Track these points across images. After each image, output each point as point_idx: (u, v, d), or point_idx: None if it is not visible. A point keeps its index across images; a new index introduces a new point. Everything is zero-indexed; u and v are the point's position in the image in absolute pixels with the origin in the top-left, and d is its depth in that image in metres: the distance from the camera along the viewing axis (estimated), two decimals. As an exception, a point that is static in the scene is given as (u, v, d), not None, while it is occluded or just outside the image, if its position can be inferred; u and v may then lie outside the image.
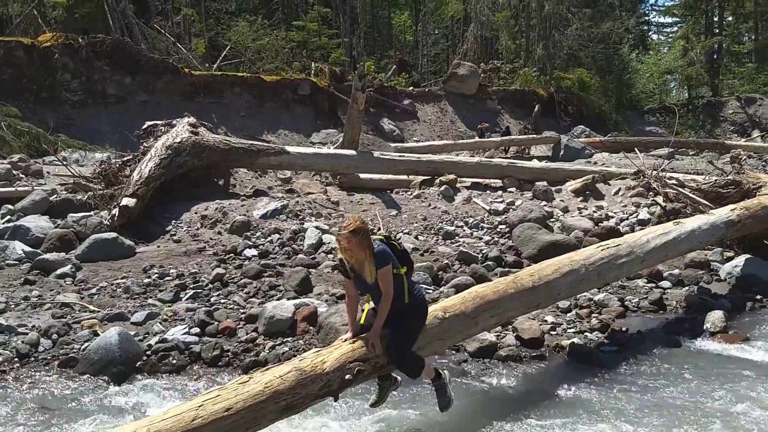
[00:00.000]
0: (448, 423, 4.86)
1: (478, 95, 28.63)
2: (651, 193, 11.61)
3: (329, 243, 9.55)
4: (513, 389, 5.58)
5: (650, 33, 49.73)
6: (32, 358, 6.01)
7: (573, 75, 32.98)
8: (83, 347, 6.07)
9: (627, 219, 10.75)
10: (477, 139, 22.48)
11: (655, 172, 12.01)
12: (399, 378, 4.79)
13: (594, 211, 11.35)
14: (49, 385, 5.58)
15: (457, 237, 10.23)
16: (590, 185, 12.28)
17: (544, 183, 12.55)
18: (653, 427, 4.84)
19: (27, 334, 6.37)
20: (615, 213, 11.17)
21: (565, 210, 11.53)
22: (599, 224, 10.49)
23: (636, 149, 15.20)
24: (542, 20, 33.73)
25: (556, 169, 13.90)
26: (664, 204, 10.57)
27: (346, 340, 4.48)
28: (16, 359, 5.97)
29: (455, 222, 10.91)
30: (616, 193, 12.07)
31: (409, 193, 12.42)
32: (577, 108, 31.04)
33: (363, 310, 4.68)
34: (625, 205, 11.50)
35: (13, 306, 7.24)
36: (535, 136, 22.72)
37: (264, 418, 3.85)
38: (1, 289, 7.84)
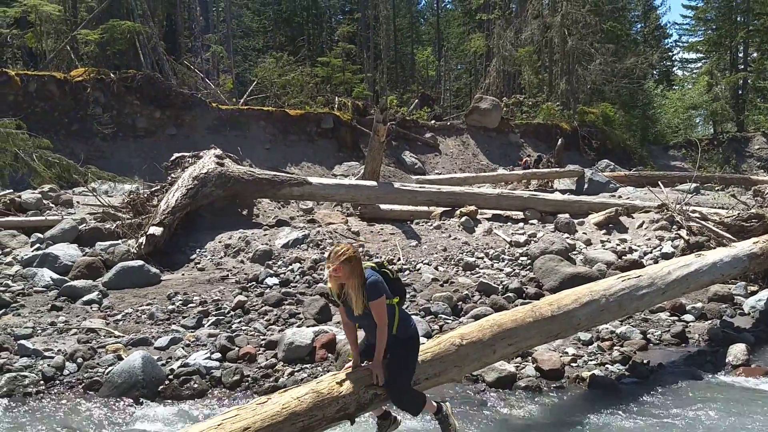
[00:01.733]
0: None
1: (500, 129, 28.76)
2: (675, 226, 11.54)
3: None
4: (532, 420, 5.54)
5: (674, 68, 49.75)
6: (57, 381, 6.14)
7: (597, 109, 33.02)
8: (107, 371, 6.19)
9: (651, 252, 10.68)
10: (520, 170, 22.55)
11: (678, 206, 11.94)
12: (399, 417, 4.71)
13: (617, 244, 11.29)
14: (74, 407, 5.69)
15: (477, 268, 10.24)
16: (613, 218, 12.24)
17: (567, 215, 12.53)
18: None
19: (53, 357, 6.51)
20: (638, 246, 11.10)
21: (588, 243, 11.49)
22: (622, 257, 10.43)
23: (660, 183, 15.13)
24: (565, 55, 33.95)
25: (579, 202, 13.87)
26: (687, 237, 10.49)
27: (350, 368, 4.43)
28: (42, 382, 6.10)
29: (475, 253, 10.93)
30: (640, 226, 12.01)
31: (429, 223, 12.49)
32: (601, 142, 30.99)
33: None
34: (649, 239, 11.43)
35: (40, 331, 7.41)
36: (558, 169, 22.71)
37: (281, 440, 3.90)
38: (29, 315, 8.04)
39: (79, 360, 6.50)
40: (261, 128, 22.76)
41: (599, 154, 29.06)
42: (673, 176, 23.45)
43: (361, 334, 4.60)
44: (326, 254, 4.69)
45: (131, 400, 5.74)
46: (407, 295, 8.80)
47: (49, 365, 6.33)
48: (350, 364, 4.47)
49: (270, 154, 21.97)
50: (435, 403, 4.63)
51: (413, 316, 7.80)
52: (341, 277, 4.23)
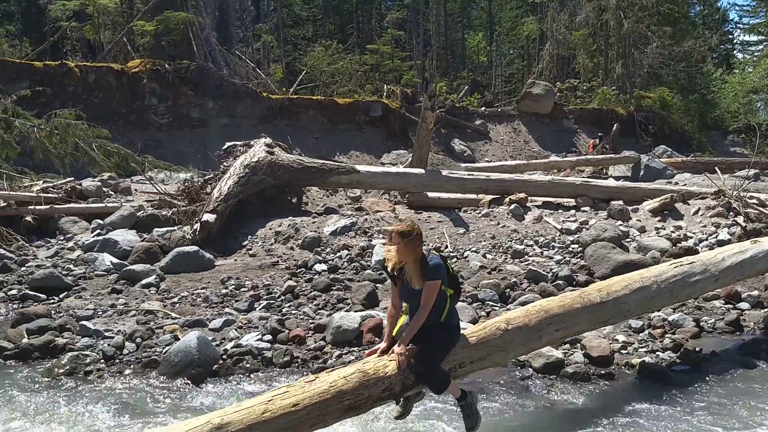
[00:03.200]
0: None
1: (553, 115, 28.28)
2: (731, 213, 11.18)
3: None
4: (579, 406, 5.51)
5: (734, 51, 47.84)
6: (117, 360, 6.43)
7: (654, 94, 32.10)
8: (165, 350, 6.44)
9: (706, 239, 10.38)
10: (590, 155, 22.15)
11: (736, 192, 11.56)
12: (423, 390, 4.65)
13: (672, 232, 11.02)
14: (133, 385, 5.95)
15: (526, 256, 10.15)
16: (669, 205, 11.92)
17: (620, 202, 12.27)
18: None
19: (113, 337, 6.82)
20: (694, 233, 10.81)
21: (642, 230, 11.24)
22: (677, 244, 10.18)
23: (717, 169, 14.64)
24: (621, 38, 33.07)
25: (633, 188, 13.55)
26: (744, 224, 10.16)
27: (380, 350, 4.46)
28: (102, 361, 6.40)
29: (525, 241, 10.83)
30: (696, 213, 11.67)
31: (477, 211, 12.43)
32: (658, 127, 30.16)
33: (397, 324, 4.65)
34: (705, 226, 11.11)
35: (100, 313, 7.75)
36: (613, 155, 22.21)
37: (329, 416, 4.02)
38: (90, 298, 8.41)
39: (138, 340, 6.79)
40: (310, 117, 23.02)
41: (656, 140, 28.28)
42: (732, 162, 22.65)
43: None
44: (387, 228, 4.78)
45: (187, 378, 5.97)
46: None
47: (109, 345, 6.63)
48: (380, 346, 4.50)
49: (319, 143, 22.22)
50: (461, 390, 4.60)
51: (461, 303, 7.91)
52: (399, 250, 4.30)
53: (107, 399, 5.62)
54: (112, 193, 13.59)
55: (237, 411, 3.74)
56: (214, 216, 10.71)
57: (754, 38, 45.00)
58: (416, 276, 4.33)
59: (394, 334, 4.57)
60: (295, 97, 23.84)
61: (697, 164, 21.80)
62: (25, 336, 6.87)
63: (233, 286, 8.72)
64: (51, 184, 12.88)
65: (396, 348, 4.35)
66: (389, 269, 4.49)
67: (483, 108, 28.25)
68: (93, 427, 5.05)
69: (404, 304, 4.61)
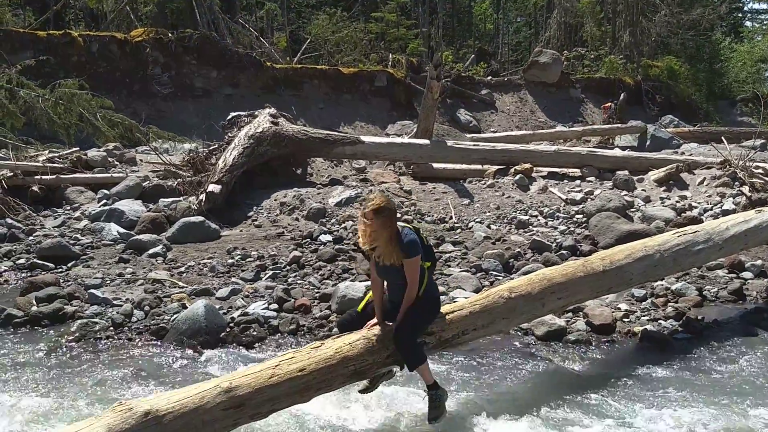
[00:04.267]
0: (513, 400, 4.94)
1: (560, 84, 27.96)
2: (737, 183, 11.15)
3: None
4: (580, 371, 5.60)
5: (744, 20, 47.07)
6: (126, 327, 6.53)
7: (661, 63, 31.70)
8: (173, 318, 6.54)
9: (711, 209, 10.38)
10: (604, 117, 21.98)
11: (741, 162, 11.52)
12: (394, 370, 4.64)
13: (677, 201, 11.01)
14: (142, 352, 6.06)
15: (530, 226, 10.18)
16: (674, 175, 11.89)
17: (626, 172, 12.25)
18: (726, 408, 4.78)
19: (121, 306, 6.91)
20: (698, 203, 10.80)
21: (647, 200, 11.24)
22: (682, 214, 10.18)
23: (723, 138, 14.54)
24: (629, 6, 32.57)
25: (639, 158, 13.49)
26: (749, 194, 10.13)
27: (372, 326, 4.43)
28: (111, 328, 6.49)
29: (529, 211, 10.86)
30: (701, 183, 11.65)
31: (482, 182, 12.42)
32: (665, 97, 29.84)
33: (363, 299, 4.63)
34: (710, 195, 11.10)
35: (108, 281, 7.84)
36: (620, 125, 22.04)
37: (334, 381, 4.11)
38: (98, 267, 8.50)
39: (146, 308, 6.89)
40: (314, 87, 22.86)
41: (663, 110, 28.01)
42: (739, 132, 22.43)
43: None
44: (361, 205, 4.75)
45: (195, 345, 6.07)
46: (462, 252, 8.94)
47: (118, 313, 6.72)
48: (373, 321, 4.46)
49: (323, 114, 22.11)
50: (434, 380, 4.51)
51: (465, 273, 7.98)
52: (374, 228, 4.21)
53: (117, 365, 5.72)
54: (118, 163, 13.61)
55: (245, 375, 3.83)
56: (220, 187, 10.75)
57: (763, 6, 44.25)
58: (389, 253, 4.25)
59: (360, 309, 4.57)
60: (299, 66, 23.65)
61: (703, 134, 21.62)
62: (35, 304, 6.97)
63: (239, 257, 8.79)
64: (57, 154, 12.90)
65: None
66: (364, 248, 4.44)
67: (489, 77, 27.95)
68: (103, 392, 5.15)
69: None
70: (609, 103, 23.94)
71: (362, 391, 4.59)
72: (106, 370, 5.60)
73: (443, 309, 4.90)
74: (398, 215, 5.21)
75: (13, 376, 5.49)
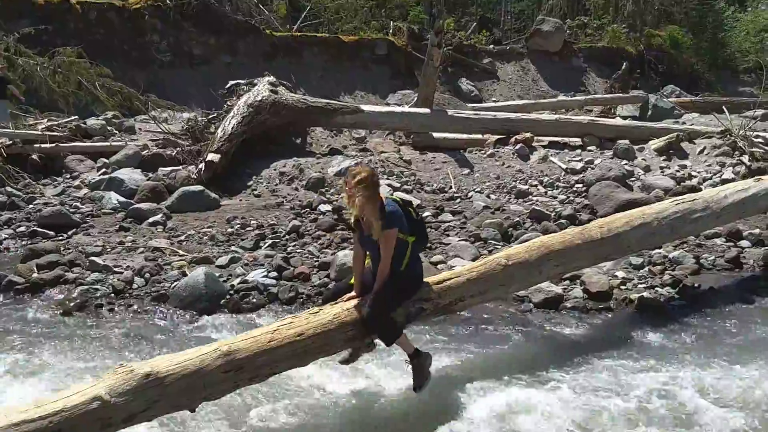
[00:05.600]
0: (510, 365, 5.00)
1: (562, 53, 27.67)
2: (737, 152, 11.13)
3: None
4: (577, 338, 5.66)
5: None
6: (127, 294, 6.59)
7: (664, 32, 31.36)
8: (173, 285, 6.60)
9: (710, 178, 10.37)
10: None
11: (742, 132, 11.48)
12: (374, 343, 4.60)
13: (676, 171, 11.00)
14: (143, 317, 6.15)
15: (530, 196, 10.19)
16: (674, 144, 11.86)
17: (626, 141, 12.21)
18: (721, 370, 4.88)
19: (122, 273, 6.96)
20: (698, 172, 10.79)
21: (647, 169, 11.22)
22: (681, 183, 10.18)
23: (724, 108, 14.45)
24: (632, -26, 32.11)
25: (640, 128, 13.43)
26: (749, 163, 10.11)
27: (351, 298, 4.38)
28: (113, 294, 6.56)
29: (529, 181, 10.85)
30: (701, 152, 11.62)
31: (482, 152, 12.38)
32: (667, 67, 29.61)
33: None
34: (710, 165, 11.08)
35: (109, 249, 7.87)
36: (621, 95, 21.89)
37: (332, 346, 4.17)
38: (98, 235, 8.53)
39: (147, 275, 6.93)
40: (314, 55, 22.64)
41: (665, 80, 27.82)
42: (740, 102, 22.31)
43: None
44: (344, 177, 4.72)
45: (195, 312, 6.14)
46: (461, 222, 8.96)
47: (118, 280, 6.77)
48: (351, 294, 4.42)
49: (323, 82, 21.92)
50: (415, 348, 4.47)
51: (463, 242, 8.01)
52: (358, 200, 4.18)
53: (118, 330, 5.80)
54: (117, 131, 13.56)
55: (244, 339, 3.89)
56: (219, 156, 10.73)
57: (770, -26, 43.54)
58: (377, 225, 4.21)
59: (351, 282, 4.53)
60: (299, 34, 23.39)
61: (705, 104, 21.49)
62: (35, 271, 7.01)
63: (239, 226, 8.81)
64: (56, 123, 12.85)
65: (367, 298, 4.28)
66: (351, 218, 4.41)
67: (491, 46, 27.65)
68: (105, 356, 5.23)
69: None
70: (619, 72, 23.77)
71: (342, 362, 4.60)
72: (107, 334, 5.68)
73: (440, 276, 4.94)
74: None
75: (15, 340, 5.56)
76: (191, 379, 3.57)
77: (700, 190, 9.40)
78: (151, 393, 3.43)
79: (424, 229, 4.58)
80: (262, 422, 4.28)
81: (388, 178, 10.96)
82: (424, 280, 4.68)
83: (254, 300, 6.42)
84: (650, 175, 10.87)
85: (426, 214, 9.22)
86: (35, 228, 8.73)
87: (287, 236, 8.39)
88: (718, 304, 6.19)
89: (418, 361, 4.43)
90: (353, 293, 4.42)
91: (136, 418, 3.45)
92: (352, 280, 4.56)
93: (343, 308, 4.25)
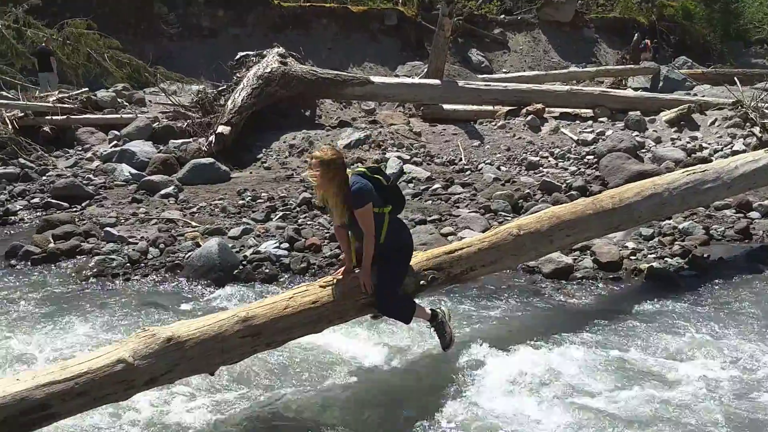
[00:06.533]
0: (519, 335, 5.07)
1: (574, 23, 27.36)
2: (748, 124, 11.06)
3: (410, 173, 9.79)
4: (586, 307, 5.72)
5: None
6: (142, 264, 6.70)
7: (677, 3, 30.88)
8: (187, 255, 6.70)
9: (721, 150, 10.33)
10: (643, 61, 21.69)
11: (753, 103, 11.39)
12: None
13: (687, 142, 10.96)
14: (158, 287, 6.25)
15: (540, 167, 10.19)
16: (686, 115, 11.79)
17: (638, 113, 12.14)
18: (730, 338, 4.92)
19: (137, 243, 7.07)
20: (709, 144, 10.75)
21: (658, 140, 11.18)
22: (692, 155, 10.15)
23: (736, 79, 14.31)
24: (645, -57, 31.50)
25: (651, 99, 13.34)
26: (760, 134, 10.04)
27: (344, 271, 4.35)
28: (128, 264, 6.67)
29: (540, 152, 10.84)
30: (712, 123, 11.55)
31: (493, 123, 12.35)
32: (679, 38, 29.24)
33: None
34: (721, 136, 11.03)
35: (123, 220, 7.97)
36: (633, 66, 21.67)
37: (346, 313, 4.25)
38: (112, 206, 8.64)
39: (161, 246, 7.03)
40: (323, 26, 22.51)
41: (677, 51, 27.48)
42: (752, 73, 22.05)
43: None
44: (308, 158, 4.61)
45: (209, 282, 6.24)
46: (471, 193, 8.98)
47: (134, 250, 6.88)
48: (342, 269, 4.40)
49: (332, 54, 21.81)
50: (430, 311, 4.51)
51: (473, 213, 8.04)
52: (320, 183, 4.07)
53: (134, 299, 5.91)
54: (127, 104, 13.60)
55: (261, 306, 3.97)
56: (229, 128, 10.76)
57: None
58: (340, 209, 4.11)
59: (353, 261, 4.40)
60: (308, 5, 23.21)
61: (717, 75, 21.24)
62: (51, 241, 7.13)
63: (249, 198, 8.88)
64: (66, 95, 12.90)
65: (359, 276, 4.24)
66: (317, 200, 4.29)
67: (502, 16, 27.32)
68: (122, 323, 5.34)
69: None
70: (647, 41, 23.47)
71: (374, 317, 4.68)
72: (124, 303, 5.79)
73: (452, 246, 5.00)
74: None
75: (36, 307, 5.69)
76: (210, 344, 3.66)
77: (711, 161, 9.36)
78: (172, 356, 3.53)
79: (399, 193, 4.39)
80: (290, 387, 4.40)
81: (397, 150, 10.98)
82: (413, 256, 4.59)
83: (267, 270, 6.50)
84: (661, 146, 10.84)
85: (436, 186, 9.27)
86: (49, 199, 8.85)
87: (298, 208, 8.46)
88: (728, 274, 6.21)
89: (437, 322, 4.52)
90: (346, 267, 4.38)
91: (158, 381, 3.55)
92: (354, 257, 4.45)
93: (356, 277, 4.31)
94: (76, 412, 3.39)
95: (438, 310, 4.59)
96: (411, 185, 9.30)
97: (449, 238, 7.05)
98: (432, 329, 4.57)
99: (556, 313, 5.57)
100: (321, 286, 4.23)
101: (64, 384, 3.24)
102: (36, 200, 8.96)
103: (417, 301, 4.57)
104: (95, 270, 6.48)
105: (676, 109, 11.97)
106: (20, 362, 4.61)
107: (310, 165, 4.16)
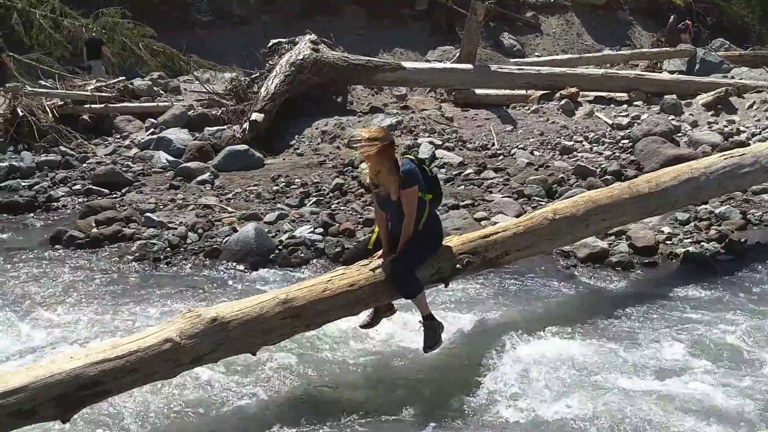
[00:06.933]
0: (553, 319, 5.10)
1: (608, 5, 26.86)
2: (789, 106, 10.83)
3: (443, 158, 9.80)
4: (621, 292, 5.72)
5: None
6: (182, 248, 6.88)
7: (714, -18, 30.15)
8: (225, 240, 6.86)
9: (759, 134, 10.12)
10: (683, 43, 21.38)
11: (794, 85, 11.13)
12: (395, 306, 4.68)
13: (725, 126, 10.76)
14: (198, 270, 6.43)
15: (575, 152, 10.09)
16: (723, 98, 11.56)
17: (674, 96, 11.94)
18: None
19: (176, 228, 7.24)
20: (747, 127, 10.53)
21: (694, 124, 11.00)
22: (729, 139, 9.97)
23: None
24: None
25: (687, 82, 13.09)
26: (802, 117, 9.83)
27: (378, 257, 4.41)
28: (169, 249, 6.85)
29: (574, 137, 10.73)
30: (750, 107, 11.32)
31: (526, 108, 12.25)
32: (716, 19, 28.56)
33: (372, 232, 4.54)
34: (759, 120, 10.80)
35: (161, 206, 8.16)
36: (668, 49, 21.23)
37: (382, 295, 4.33)
38: (150, 193, 8.83)
39: (200, 231, 7.21)
40: (352, 12, 22.46)
41: (714, 33, 26.84)
42: (793, 55, 21.43)
43: None
44: (354, 136, 4.70)
45: (247, 266, 6.38)
46: (504, 178, 8.97)
47: (173, 235, 7.07)
48: (380, 253, 4.44)
49: (361, 40, 21.76)
50: (430, 312, 4.48)
51: (507, 198, 8.03)
52: (373, 160, 4.18)
53: (176, 281, 6.10)
54: (163, 92, 13.79)
55: (300, 288, 4.08)
56: (262, 115, 10.86)
57: None
58: (393, 184, 4.21)
59: (370, 245, 4.54)
60: (338, -9, 23.21)
61: (755, 58, 20.66)
62: (94, 226, 7.34)
63: (283, 184, 9.00)
64: (104, 83, 13.15)
65: (388, 259, 4.30)
66: (366, 180, 4.41)
67: (534, -1, 27.00)
68: (165, 305, 5.51)
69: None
70: (688, 22, 23.00)
71: (362, 327, 4.67)
72: (167, 286, 5.97)
73: (487, 230, 5.04)
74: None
75: (83, 289, 5.90)
76: (252, 325, 3.78)
77: (749, 145, 9.19)
78: (216, 336, 3.66)
79: (439, 185, 4.58)
80: (295, 375, 4.49)
81: (429, 136, 10.98)
82: (448, 240, 4.70)
83: (302, 255, 6.63)
84: (697, 130, 10.66)
85: (468, 171, 9.26)
86: (90, 186, 9.08)
87: (331, 194, 8.55)
88: (765, 258, 6.15)
89: (431, 324, 4.45)
90: (382, 251, 4.44)
91: (203, 360, 3.69)
92: (371, 243, 4.59)
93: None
94: (128, 388, 3.55)
95: (437, 319, 4.51)
96: (443, 170, 9.31)
97: (482, 223, 7.08)
98: (422, 326, 4.47)
99: (591, 297, 5.59)
100: (357, 270, 4.32)
101: (115, 362, 3.39)
102: (77, 187, 9.20)
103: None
104: (137, 254, 6.67)
105: (713, 93, 11.74)
106: (70, 342, 4.80)
107: (362, 147, 4.20)
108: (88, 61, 14.83)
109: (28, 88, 11.96)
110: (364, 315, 4.59)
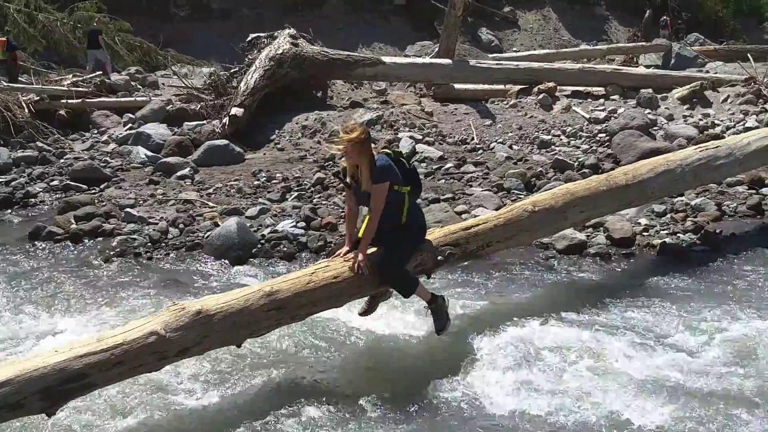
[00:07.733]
0: (533, 309, 5.17)
1: (584, 0, 27.20)
2: (761, 100, 11.03)
3: (423, 152, 9.86)
4: (599, 282, 5.82)
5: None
6: (163, 243, 6.87)
7: (689, -22, 30.51)
8: (206, 235, 6.86)
9: (733, 127, 10.31)
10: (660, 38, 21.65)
11: (766, 79, 11.34)
12: (391, 290, 4.67)
13: (700, 119, 10.94)
14: (179, 265, 6.41)
15: (553, 146, 10.21)
16: (698, 92, 11.76)
17: (650, 90, 12.12)
18: (742, 311, 4.99)
19: (157, 223, 7.22)
20: (722, 121, 10.73)
21: (670, 118, 11.17)
22: (704, 132, 10.14)
23: (749, 56, 14.22)
24: None
25: (663, 76, 13.29)
26: (774, 111, 10.03)
27: (343, 253, 4.41)
28: (150, 244, 6.83)
29: (552, 131, 10.85)
30: (725, 100, 11.53)
31: (504, 102, 12.36)
32: (691, 14, 28.96)
33: (363, 221, 4.53)
34: (733, 113, 11.00)
35: (141, 202, 8.12)
36: (644, 43, 21.51)
37: (365, 288, 4.38)
38: (130, 188, 8.78)
39: (181, 226, 7.19)
40: (332, 7, 22.47)
41: (689, 28, 27.24)
42: (765, 50, 21.80)
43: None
44: (334, 132, 4.76)
45: (229, 260, 6.39)
46: (484, 172, 9.05)
47: (154, 230, 7.04)
48: (343, 250, 4.46)
49: (342, 36, 21.77)
50: (431, 294, 4.57)
51: (487, 192, 8.11)
52: (353, 155, 4.25)
53: (158, 276, 6.07)
54: (140, 87, 13.69)
55: (284, 281, 4.11)
56: (242, 110, 10.83)
57: None
58: (367, 179, 4.26)
59: (360, 234, 4.45)
60: (317, -14, 23.18)
61: (729, 52, 21.05)
62: (73, 222, 7.29)
63: (264, 178, 9.00)
64: (81, 79, 13.02)
65: (357, 256, 4.28)
66: (344, 175, 4.45)
67: (511, -6, 27.17)
68: (149, 299, 5.50)
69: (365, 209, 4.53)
70: (667, 18, 23.28)
71: (361, 314, 4.70)
72: (148, 281, 5.95)
73: (468, 222, 5.10)
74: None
75: (65, 284, 5.87)
76: (237, 317, 3.80)
77: (724, 138, 9.36)
78: (201, 329, 3.68)
79: (417, 177, 4.57)
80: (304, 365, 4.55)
81: (409, 130, 11.02)
82: (430, 233, 4.76)
83: (285, 249, 6.65)
84: (673, 123, 10.83)
85: (448, 165, 9.34)
86: (68, 182, 9.00)
87: (312, 188, 8.57)
88: (740, 250, 6.28)
89: (436, 305, 4.55)
90: (345, 248, 4.46)
91: (189, 352, 3.70)
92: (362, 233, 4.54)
93: (377, 254, 4.41)
94: (113, 381, 3.55)
95: (438, 295, 4.63)
96: (423, 165, 9.37)
97: (463, 216, 7.14)
98: (428, 310, 4.59)
99: (570, 288, 5.68)
100: (341, 262, 4.35)
101: (100, 355, 3.39)
102: (55, 183, 9.12)
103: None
104: (118, 249, 6.63)
105: (688, 87, 11.93)
106: (54, 335, 4.78)
107: (340, 139, 4.26)
108: (88, 50, 14.72)
109: (3, 84, 11.80)
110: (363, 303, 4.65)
